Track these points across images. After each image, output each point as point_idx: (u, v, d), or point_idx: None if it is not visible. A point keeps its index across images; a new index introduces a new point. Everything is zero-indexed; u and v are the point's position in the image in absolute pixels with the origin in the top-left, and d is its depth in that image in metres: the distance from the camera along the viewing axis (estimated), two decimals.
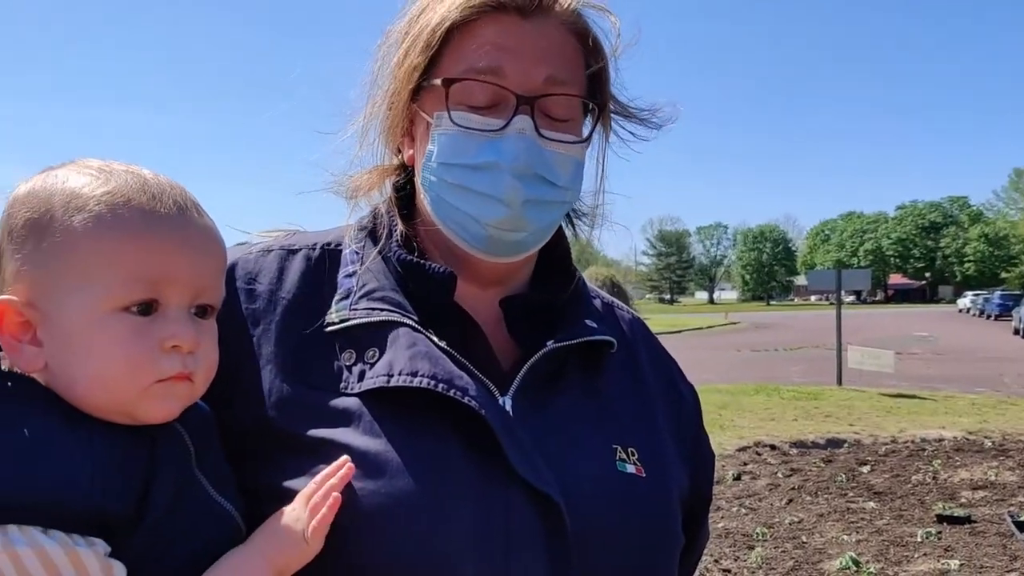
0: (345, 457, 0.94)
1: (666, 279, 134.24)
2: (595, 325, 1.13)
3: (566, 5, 1.07)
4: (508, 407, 1.03)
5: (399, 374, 0.98)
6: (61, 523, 0.78)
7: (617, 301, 1.30)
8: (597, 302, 1.24)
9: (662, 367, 1.27)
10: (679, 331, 41.87)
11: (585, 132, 1.11)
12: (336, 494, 0.92)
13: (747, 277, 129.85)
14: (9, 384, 0.85)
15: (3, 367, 0.88)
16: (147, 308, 0.86)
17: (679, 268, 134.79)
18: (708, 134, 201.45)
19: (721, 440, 10.09)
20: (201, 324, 0.91)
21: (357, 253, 1.11)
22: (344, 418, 0.98)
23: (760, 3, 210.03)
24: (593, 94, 1.11)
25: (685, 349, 28.24)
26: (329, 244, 1.13)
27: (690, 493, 1.19)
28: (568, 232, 1.25)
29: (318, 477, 0.94)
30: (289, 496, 0.94)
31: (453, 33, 1.05)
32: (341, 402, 0.99)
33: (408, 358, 0.99)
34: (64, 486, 0.79)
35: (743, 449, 9.67)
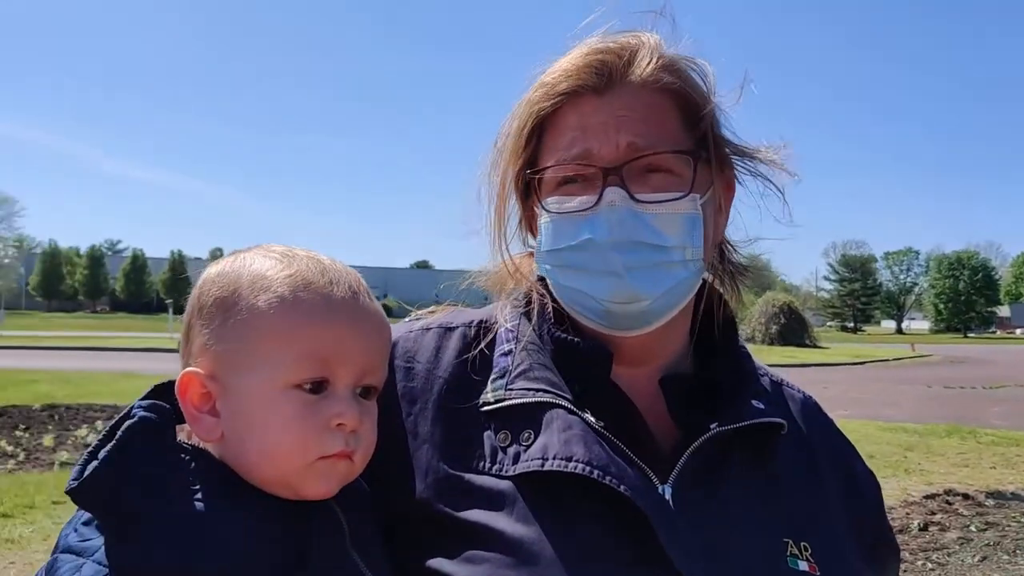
0: None
1: (849, 306, 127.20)
2: (762, 406, 1.05)
3: (641, 72, 1.05)
4: (668, 496, 0.98)
5: (553, 458, 0.96)
6: None
7: (786, 379, 1.22)
8: (765, 380, 1.16)
9: (838, 450, 1.18)
10: (862, 362, 39.47)
11: (689, 181, 1.06)
12: None
13: (941, 307, 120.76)
14: (185, 457, 0.91)
15: (180, 439, 0.93)
16: (318, 387, 0.91)
17: (864, 295, 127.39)
18: (894, 155, 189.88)
19: (906, 485, 9.39)
20: (364, 404, 0.95)
21: (512, 331, 1.11)
22: (498, 502, 0.97)
23: None
24: (703, 144, 1.07)
25: (868, 382, 26.68)
26: (485, 322, 1.14)
27: None
28: (726, 288, 1.18)
29: None
30: None
31: (545, 127, 1.08)
32: (496, 484, 0.99)
33: (563, 442, 0.97)
34: (227, 559, 0.83)
35: (931, 497, 8.92)
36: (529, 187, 1.12)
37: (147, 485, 0.86)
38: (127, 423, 0.89)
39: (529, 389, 1.02)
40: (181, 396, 0.92)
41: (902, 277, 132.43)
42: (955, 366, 38.15)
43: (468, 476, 0.99)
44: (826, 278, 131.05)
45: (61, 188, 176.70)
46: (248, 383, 0.91)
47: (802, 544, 1.00)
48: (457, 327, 1.13)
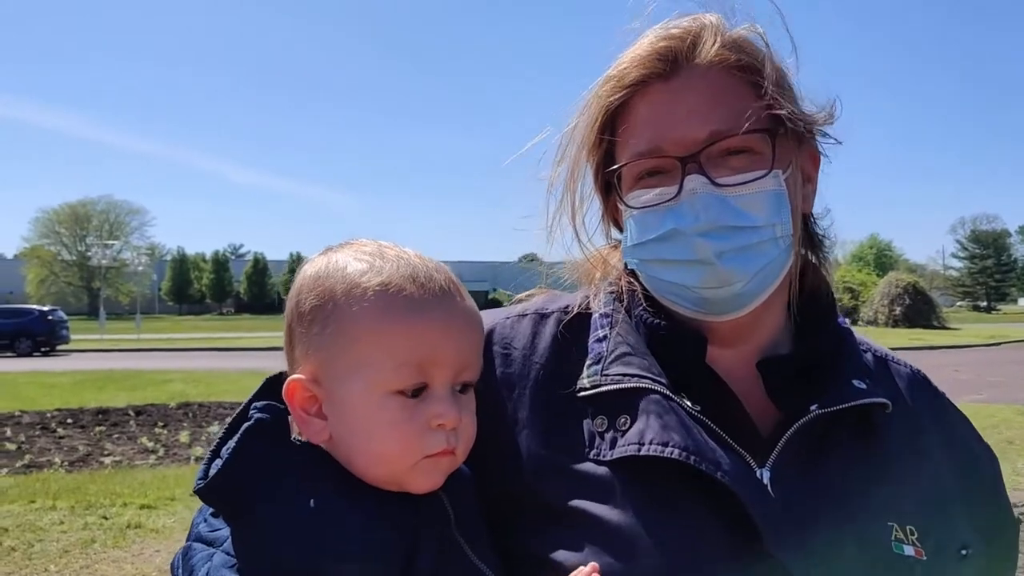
0: (593, 565, 0.92)
1: (981, 284, 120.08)
2: (864, 385, 1.02)
3: (707, 54, 1.02)
4: (766, 480, 0.96)
5: (650, 443, 0.96)
6: None
7: (892, 354, 1.17)
8: (868, 356, 1.13)
9: (950, 428, 1.13)
10: (997, 343, 37.29)
11: (770, 158, 1.03)
12: None
13: None
14: (299, 456, 0.95)
15: (295, 437, 0.98)
16: (418, 391, 0.94)
17: (997, 272, 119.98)
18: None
19: None
20: (461, 399, 0.97)
21: (607, 316, 1.11)
22: (596, 487, 0.98)
23: None
24: (777, 118, 1.03)
25: (1004, 364, 25.12)
26: (580, 307, 1.14)
27: (988, 572, 1.04)
28: (816, 260, 1.15)
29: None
30: (540, 562, 0.96)
31: (616, 120, 1.07)
32: (593, 469, 0.99)
33: (660, 427, 0.97)
34: (343, 553, 0.87)
35: None
36: (609, 183, 1.12)
37: (266, 484, 0.90)
38: (244, 425, 0.94)
39: (624, 375, 1.02)
40: (288, 400, 0.96)
41: None
42: None
43: (566, 461, 1.00)
44: (955, 255, 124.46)
45: (185, 197, 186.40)
46: (349, 390, 0.93)
47: (908, 528, 0.97)
48: (552, 312, 1.14)
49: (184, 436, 11.66)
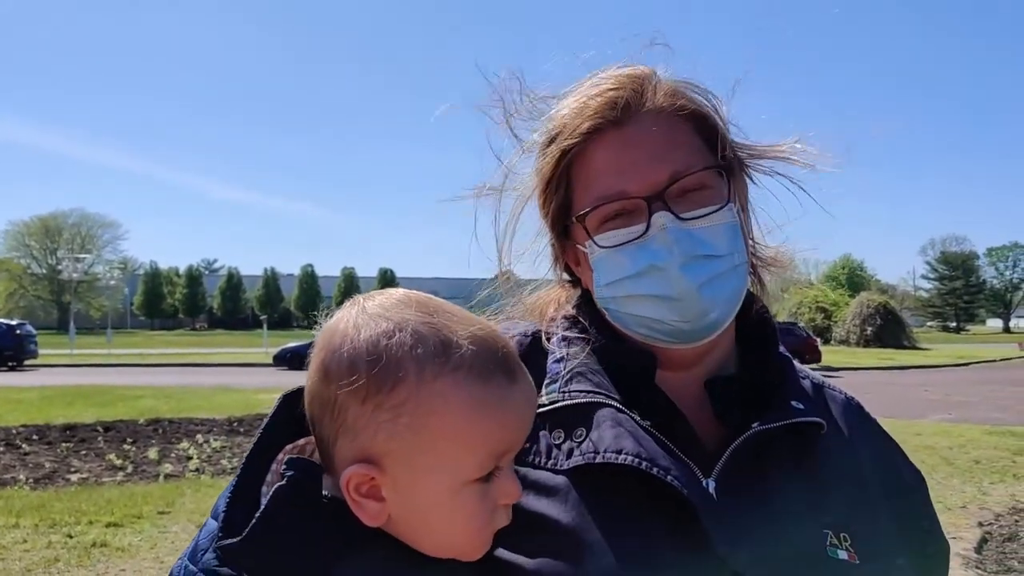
0: None
1: (951, 305, 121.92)
2: (801, 407, 1.10)
3: (655, 101, 1.11)
4: (712, 489, 1.02)
5: (605, 451, 1.02)
6: None
7: (828, 381, 1.26)
8: (807, 382, 1.21)
9: (881, 451, 1.21)
10: (967, 363, 37.87)
11: (723, 192, 1.12)
12: None
13: None
14: (331, 520, 0.89)
15: (326, 492, 0.92)
16: (490, 476, 0.92)
17: (966, 293, 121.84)
18: (992, 147, 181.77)
19: (1015, 491, 8.96)
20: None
21: (565, 340, 1.17)
22: (554, 494, 1.03)
23: None
24: (721, 155, 1.12)
25: (973, 384, 25.51)
26: (538, 332, 1.20)
27: None
28: (753, 286, 1.22)
29: None
30: (504, 568, 0.98)
31: (571, 168, 1.13)
32: (551, 478, 1.04)
33: (613, 436, 1.03)
34: None
35: None
36: (566, 228, 1.17)
37: (297, 549, 0.87)
38: (277, 485, 0.88)
39: (580, 391, 1.08)
40: (344, 486, 0.89)
41: (1008, 274, 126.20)
42: None
43: (524, 470, 1.05)
44: (924, 277, 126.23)
45: (159, 211, 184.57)
46: (424, 482, 0.88)
47: (842, 535, 1.04)
48: (512, 337, 1.18)
49: (153, 453, 11.50)
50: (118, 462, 10.87)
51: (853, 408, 1.24)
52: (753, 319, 1.19)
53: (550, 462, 1.05)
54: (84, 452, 11.67)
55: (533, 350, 1.17)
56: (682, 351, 1.12)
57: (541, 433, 1.07)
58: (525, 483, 1.03)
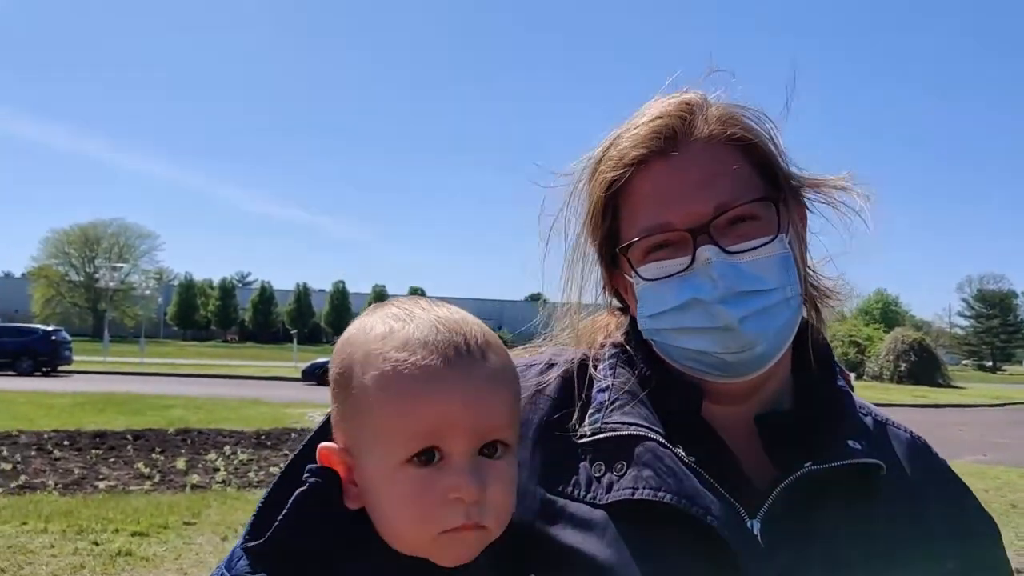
0: None
1: (987, 344, 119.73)
2: (859, 446, 1.04)
3: (704, 129, 1.07)
4: (756, 531, 0.98)
5: (644, 488, 0.99)
6: None
7: (892, 418, 1.19)
8: (868, 419, 1.14)
9: (949, 494, 1.13)
10: (1003, 404, 36.99)
11: (774, 223, 1.08)
12: None
13: None
14: (349, 523, 0.93)
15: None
16: (429, 456, 0.88)
17: (1003, 332, 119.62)
18: None
19: None
20: (490, 466, 0.90)
21: (611, 369, 1.14)
22: (591, 528, 1.01)
23: None
24: (775, 184, 1.10)
25: (1010, 425, 24.88)
26: (585, 359, 1.18)
27: None
28: (809, 316, 1.17)
29: None
30: None
31: (619, 196, 1.11)
32: (589, 512, 1.02)
33: (653, 473, 1.00)
34: None
35: None
36: (615, 257, 1.15)
37: (315, 552, 0.90)
38: (299, 490, 0.92)
39: (623, 423, 1.05)
40: (325, 465, 0.95)
41: None
42: None
43: (563, 502, 1.03)
44: (960, 314, 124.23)
45: (196, 222, 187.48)
46: (369, 462, 0.91)
47: None
48: (558, 364, 1.17)
49: (181, 463, 11.60)
50: (146, 471, 10.97)
51: (919, 448, 1.16)
52: (812, 351, 1.14)
53: (589, 495, 1.03)
54: (113, 460, 11.80)
55: (580, 377, 1.14)
56: (731, 385, 1.07)
57: (582, 464, 1.05)
58: (562, 515, 1.02)
